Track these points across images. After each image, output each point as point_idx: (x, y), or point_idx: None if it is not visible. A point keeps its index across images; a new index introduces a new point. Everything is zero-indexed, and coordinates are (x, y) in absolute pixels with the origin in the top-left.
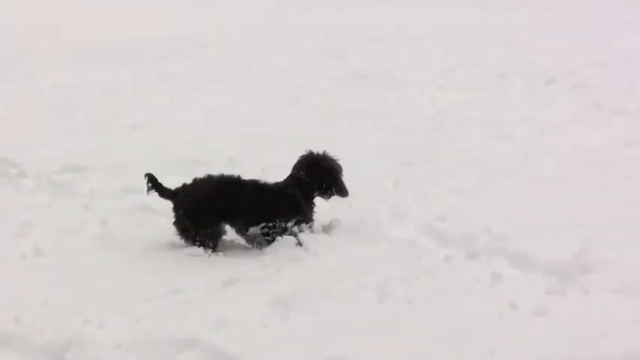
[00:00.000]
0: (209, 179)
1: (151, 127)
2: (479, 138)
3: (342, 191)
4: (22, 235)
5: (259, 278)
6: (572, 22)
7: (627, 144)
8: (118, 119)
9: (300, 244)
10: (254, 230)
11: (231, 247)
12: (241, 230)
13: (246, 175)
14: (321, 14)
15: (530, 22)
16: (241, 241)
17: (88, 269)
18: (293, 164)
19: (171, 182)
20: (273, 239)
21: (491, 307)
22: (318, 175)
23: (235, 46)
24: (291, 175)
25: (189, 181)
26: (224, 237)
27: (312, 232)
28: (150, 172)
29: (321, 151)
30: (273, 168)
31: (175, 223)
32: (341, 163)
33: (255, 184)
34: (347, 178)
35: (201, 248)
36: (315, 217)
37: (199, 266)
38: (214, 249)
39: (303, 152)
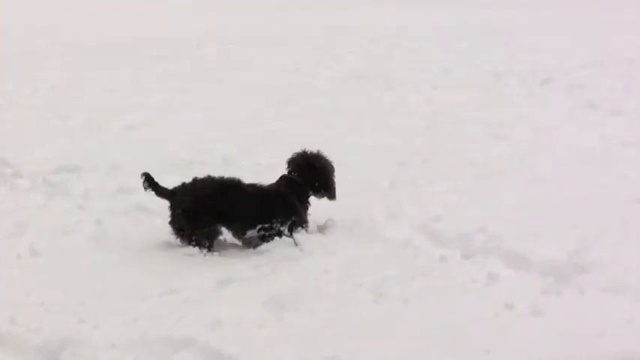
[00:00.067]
0: (209, 179)
1: (147, 127)
2: (475, 138)
3: (331, 194)
4: (18, 235)
5: (254, 278)
6: (572, 22)
7: (623, 144)
8: (114, 119)
9: (295, 243)
10: (251, 233)
11: (227, 246)
12: (238, 233)
13: (243, 175)
14: (321, 14)
15: (530, 22)
16: (236, 241)
17: (83, 269)
18: (286, 162)
19: (168, 182)
20: (269, 241)
21: (486, 307)
22: (311, 176)
23: (233, 46)
24: (283, 176)
25: (185, 180)
26: (219, 237)
27: (307, 232)
28: (146, 171)
29: (315, 151)
30: (271, 168)
31: (171, 222)
32: (337, 162)
33: (253, 187)
34: (343, 178)
35: (197, 248)
36: (310, 217)
37: (195, 266)
38: (210, 249)
39: (295, 151)
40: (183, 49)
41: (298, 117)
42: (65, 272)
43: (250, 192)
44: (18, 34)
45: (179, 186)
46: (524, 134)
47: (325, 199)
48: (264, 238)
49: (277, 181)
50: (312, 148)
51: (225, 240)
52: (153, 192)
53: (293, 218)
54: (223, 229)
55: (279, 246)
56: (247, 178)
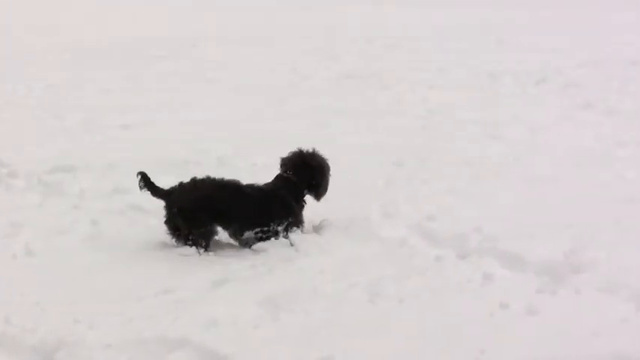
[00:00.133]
0: (207, 180)
1: (143, 127)
2: (470, 138)
3: (321, 193)
4: (13, 235)
5: (250, 278)
6: (571, 22)
7: (619, 144)
8: (109, 119)
9: (291, 244)
10: (248, 235)
11: (222, 246)
12: (235, 234)
13: (238, 175)
14: (320, 14)
15: (530, 22)
16: (232, 241)
17: (78, 269)
18: (282, 161)
19: (163, 182)
20: (265, 241)
21: (482, 306)
22: (306, 174)
23: (231, 46)
24: (279, 175)
25: (181, 180)
26: (215, 237)
27: (303, 232)
28: (142, 170)
29: (310, 149)
30: (266, 168)
31: (167, 222)
32: (333, 162)
33: (251, 188)
34: (339, 178)
35: (193, 248)
36: (306, 217)
37: (190, 266)
38: (207, 248)
39: (291, 150)
40: (179, 49)
41: (294, 117)
42: (61, 272)
43: (248, 193)
44: (17, 34)
45: (175, 186)
46: (520, 134)
47: (323, 200)
48: (261, 239)
49: (273, 181)
50: (308, 147)
51: (219, 240)
52: (148, 192)
53: (290, 219)
54: (219, 229)
55: (274, 246)
56: (243, 178)
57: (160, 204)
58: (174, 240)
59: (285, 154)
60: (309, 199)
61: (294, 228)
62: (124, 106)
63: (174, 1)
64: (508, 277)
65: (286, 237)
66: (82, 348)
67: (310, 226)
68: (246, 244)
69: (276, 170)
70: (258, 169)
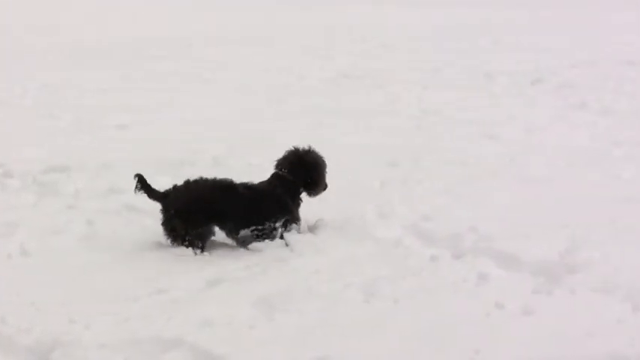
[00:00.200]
0: (202, 181)
1: (138, 127)
2: (466, 138)
3: (317, 191)
4: (8, 235)
5: (245, 278)
6: (571, 22)
7: (613, 144)
8: (105, 119)
9: (286, 244)
10: (244, 233)
11: (217, 247)
12: (232, 233)
13: (233, 175)
14: (319, 14)
15: (529, 22)
16: (227, 241)
17: (73, 269)
18: (278, 160)
19: (158, 182)
20: (263, 241)
21: (477, 307)
22: (302, 172)
23: (229, 46)
24: (274, 174)
25: (175, 181)
26: (211, 237)
27: (299, 231)
28: (137, 172)
29: (306, 147)
30: (261, 168)
31: (164, 224)
32: (327, 162)
33: (246, 187)
34: (334, 178)
35: (189, 248)
36: (301, 216)
37: (185, 266)
38: (203, 249)
39: (287, 149)
40: (178, 49)
41: (290, 117)
42: (56, 272)
43: (243, 192)
44: (17, 34)
45: (171, 188)
46: (516, 134)
47: (318, 200)
48: (258, 237)
49: (269, 179)
50: (304, 145)
51: (214, 241)
52: (145, 194)
53: (286, 217)
54: (216, 229)
55: (269, 246)
56: (238, 178)
57: (155, 204)
58: (170, 241)
59: (281, 154)
60: (306, 198)
61: (291, 225)
62: (119, 106)
63: (174, 1)
64: (503, 277)
65: (282, 236)
66: (78, 348)
67: (305, 226)
68: (243, 242)
69: (270, 170)
70: (253, 169)
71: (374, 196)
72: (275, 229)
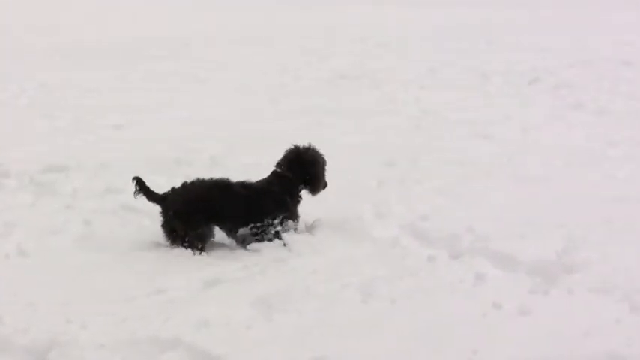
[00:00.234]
0: (199, 182)
1: (135, 127)
2: (462, 138)
3: (317, 188)
4: (5, 235)
5: (243, 278)
6: (570, 22)
7: (610, 143)
8: (102, 119)
9: (284, 243)
10: (243, 231)
11: (215, 247)
12: (231, 232)
13: (230, 175)
14: (319, 14)
15: (529, 22)
16: (225, 241)
17: (71, 269)
18: (279, 159)
19: (155, 181)
20: (262, 238)
21: (474, 306)
22: (301, 169)
23: (228, 46)
24: (274, 172)
25: (173, 180)
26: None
27: (297, 228)
28: (135, 173)
29: (306, 145)
30: (258, 168)
31: (163, 226)
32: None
33: (243, 186)
34: (331, 178)
35: (188, 249)
36: (299, 216)
37: (183, 266)
38: (202, 250)
39: (288, 146)
40: (177, 49)
41: (288, 117)
42: (53, 272)
43: (240, 191)
44: (16, 34)
45: (169, 190)
46: (512, 134)
47: (315, 200)
48: (257, 234)
49: (267, 177)
50: (304, 143)
51: (212, 240)
52: (144, 197)
53: (284, 214)
54: (217, 229)
55: (267, 246)
56: (235, 178)
57: (152, 205)
58: (169, 242)
59: (278, 154)
60: (305, 196)
61: (290, 222)
62: (118, 106)
63: (173, 1)
64: (500, 277)
65: (280, 233)
66: (75, 348)
67: (303, 226)
68: (243, 241)
69: (267, 170)
70: (250, 168)
71: (371, 196)
72: (272, 225)
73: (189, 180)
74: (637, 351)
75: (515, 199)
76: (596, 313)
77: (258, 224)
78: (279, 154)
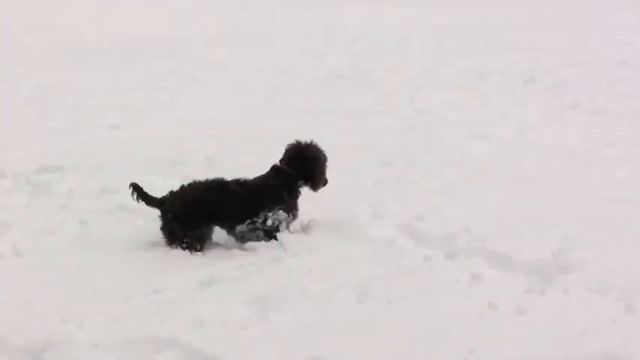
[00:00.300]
0: (197, 184)
1: (131, 127)
2: (459, 138)
3: (317, 184)
4: (1, 235)
5: (238, 278)
6: (570, 22)
7: (607, 144)
8: (99, 119)
9: (276, 239)
10: (241, 228)
11: (211, 247)
12: (231, 230)
13: (226, 175)
14: (318, 14)
15: (529, 22)
16: (221, 241)
17: (66, 269)
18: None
19: (151, 182)
20: (261, 232)
21: (470, 306)
22: (300, 165)
23: (228, 47)
24: (273, 166)
25: (168, 181)
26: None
27: (292, 219)
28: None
29: (308, 141)
30: (254, 168)
31: (162, 228)
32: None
33: (239, 183)
34: (328, 177)
35: (186, 250)
36: (299, 209)
37: (179, 266)
38: (201, 251)
39: (289, 142)
40: (174, 50)
41: (285, 117)
42: (48, 272)
43: (236, 189)
44: (17, 34)
45: (168, 194)
46: (509, 134)
47: (311, 200)
48: (255, 230)
49: (267, 172)
50: (306, 139)
51: (210, 240)
52: (143, 202)
53: (280, 206)
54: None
55: (263, 246)
56: (231, 178)
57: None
58: (168, 244)
59: (276, 157)
60: (303, 196)
61: (281, 212)
62: (116, 106)
63: (173, 1)
64: (496, 277)
65: (273, 218)
66: (71, 348)
67: (299, 225)
68: (242, 237)
69: (265, 169)
70: (246, 168)
71: (368, 195)
72: (268, 218)
73: (185, 180)
74: (633, 351)
75: (512, 199)
76: (593, 313)
77: (254, 219)
78: (277, 154)
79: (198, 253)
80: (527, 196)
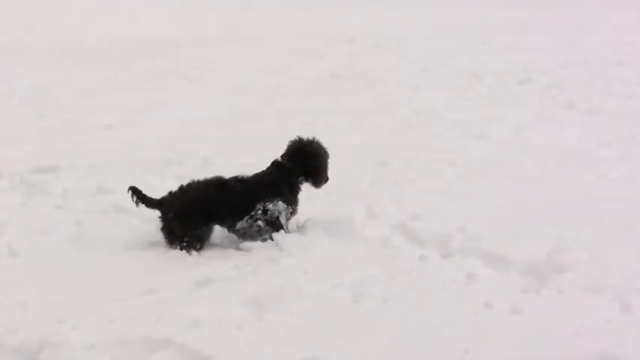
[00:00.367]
0: (195, 184)
1: (126, 127)
2: (455, 138)
3: (318, 180)
4: None
5: (234, 278)
6: (570, 22)
7: (602, 144)
8: (95, 119)
9: (272, 238)
10: (241, 224)
11: (207, 247)
12: (232, 227)
13: (224, 174)
14: (318, 14)
15: (529, 23)
16: (216, 241)
17: (62, 269)
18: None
19: (147, 182)
20: (262, 223)
21: (466, 306)
22: (301, 160)
23: (228, 47)
24: (274, 162)
25: (165, 181)
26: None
27: (291, 214)
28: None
29: (310, 137)
30: (250, 168)
31: (162, 229)
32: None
33: (237, 180)
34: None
35: (184, 250)
36: (298, 204)
37: (174, 266)
38: (200, 250)
39: (292, 138)
40: (163, 49)
41: (279, 117)
42: (44, 272)
43: (235, 186)
44: (16, 34)
45: (167, 194)
46: (504, 134)
47: (307, 200)
48: (255, 221)
49: (268, 168)
50: (308, 135)
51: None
52: (142, 204)
53: (278, 198)
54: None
55: (259, 246)
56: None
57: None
58: (168, 244)
59: (273, 157)
60: (301, 195)
61: (280, 203)
62: (104, 106)
63: (173, 2)
64: (492, 276)
65: (276, 214)
66: (66, 348)
67: (295, 225)
68: (244, 234)
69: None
70: (242, 168)
71: (364, 195)
72: (267, 210)
73: (181, 180)
74: (628, 350)
75: (507, 198)
76: (588, 313)
77: (252, 213)
78: (277, 154)
79: (195, 253)
80: (523, 195)
